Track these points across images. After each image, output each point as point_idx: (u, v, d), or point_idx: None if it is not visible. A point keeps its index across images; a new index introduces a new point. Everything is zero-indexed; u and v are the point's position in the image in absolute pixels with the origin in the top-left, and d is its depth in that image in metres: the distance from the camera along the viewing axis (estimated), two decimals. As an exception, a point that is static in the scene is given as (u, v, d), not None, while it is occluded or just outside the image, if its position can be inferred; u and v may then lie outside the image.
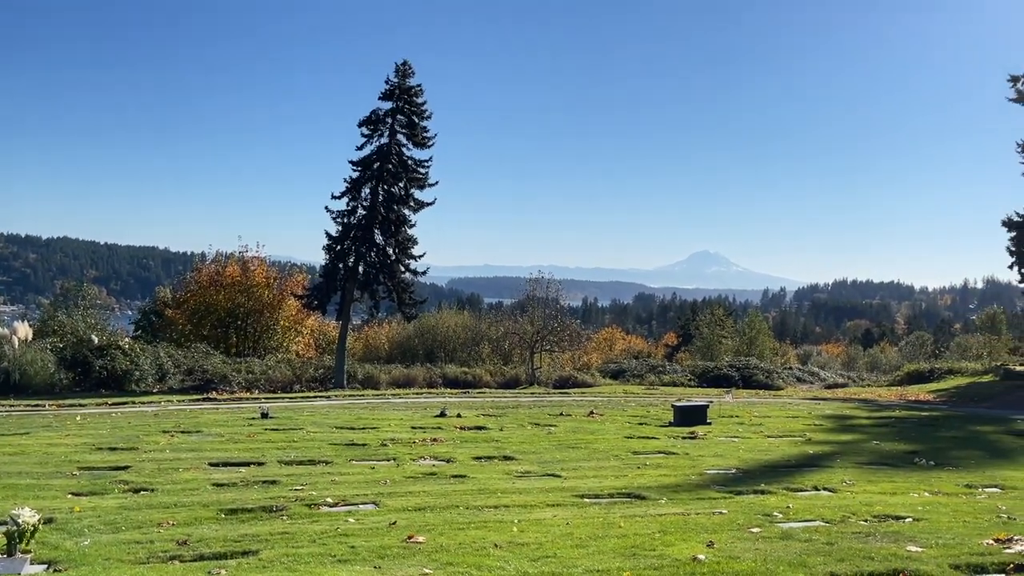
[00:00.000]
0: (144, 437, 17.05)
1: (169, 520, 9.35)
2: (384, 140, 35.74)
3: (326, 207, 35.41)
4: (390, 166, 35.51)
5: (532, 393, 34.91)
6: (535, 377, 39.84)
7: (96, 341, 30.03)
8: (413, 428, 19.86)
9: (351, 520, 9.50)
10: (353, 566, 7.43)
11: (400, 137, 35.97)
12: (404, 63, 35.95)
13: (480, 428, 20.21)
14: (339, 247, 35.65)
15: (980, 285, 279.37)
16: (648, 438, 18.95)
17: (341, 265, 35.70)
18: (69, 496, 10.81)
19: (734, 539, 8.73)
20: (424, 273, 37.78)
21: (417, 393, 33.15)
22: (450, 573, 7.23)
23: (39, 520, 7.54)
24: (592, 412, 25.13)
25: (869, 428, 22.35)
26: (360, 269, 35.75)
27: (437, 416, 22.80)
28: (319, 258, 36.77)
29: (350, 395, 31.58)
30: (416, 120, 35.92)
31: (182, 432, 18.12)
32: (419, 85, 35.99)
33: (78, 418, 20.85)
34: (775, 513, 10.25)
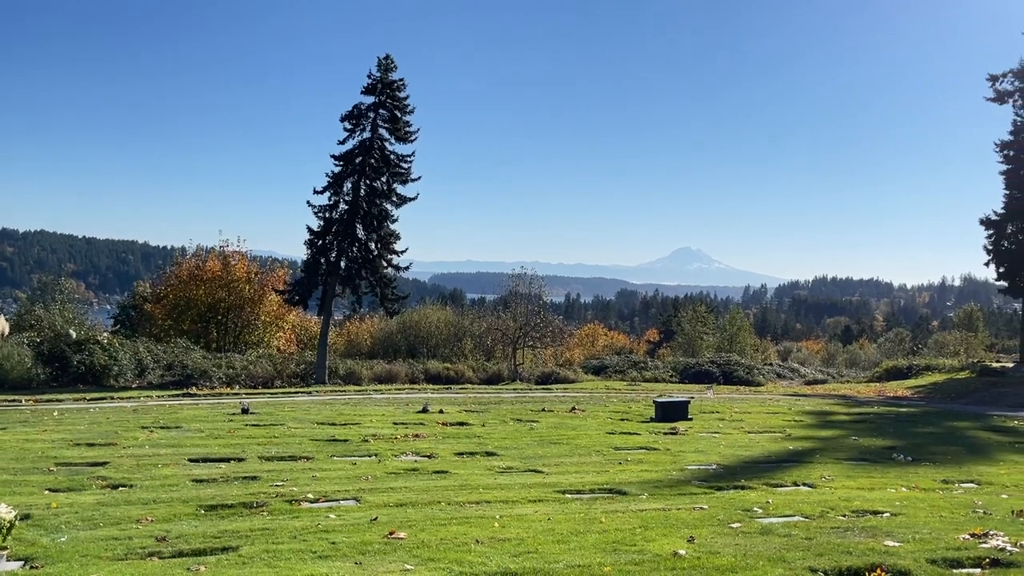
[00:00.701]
0: (123, 433, 16.91)
1: (148, 516, 9.28)
2: (366, 135, 35.58)
3: (308, 201, 35.24)
4: (372, 161, 35.36)
5: (514, 389, 34.93)
6: (517, 373, 39.86)
7: (74, 336, 29.72)
8: (395, 424, 19.82)
9: (332, 516, 9.47)
10: (334, 562, 7.41)
11: (382, 132, 35.82)
12: (386, 57, 35.80)
13: (462, 424, 20.20)
14: (321, 242, 35.47)
15: (958, 283, 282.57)
16: (630, 434, 19.02)
17: (323, 260, 35.53)
18: (46, 492, 10.70)
19: (714, 534, 8.79)
20: (407, 268, 37.68)
21: (399, 389, 33.09)
22: (432, 569, 7.22)
23: (15, 516, 7.46)
24: (574, 408, 25.18)
25: (848, 424, 22.55)
26: (342, 264, 35.59)
27: (419, 412, 22.77)
28: (301, 253, 36.62)
29: (332, 391, 31.45)
30: (398, 115, 35.77)
31: (161, 428, 17.98)
32: (402, 79, 35.87)
33: (55, 413, 20.64)
34: (755, 509, 10.32)
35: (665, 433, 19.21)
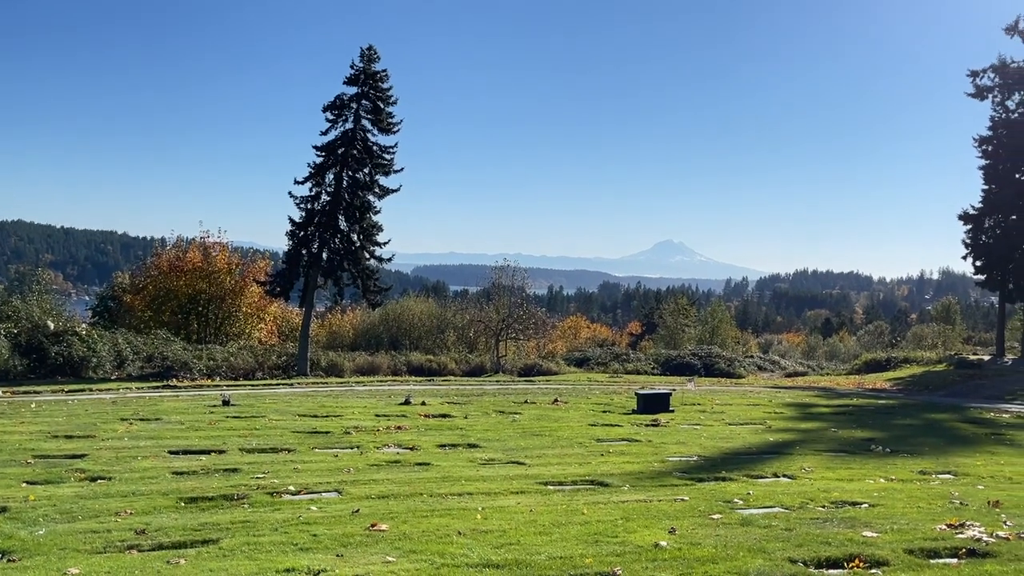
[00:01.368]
0: (102, 425, 16.77)
1: (127, 509, 9.20)
2: (349, 125, 35.41)
3: (289, 192, 35.04)
4: (355, 152, 35.19)
5: (497, 381, 34.95)
6: (500, 365, 39.89)
7: (52, 327, 29.42)
8: (377, 416, 19.78)
9: (314, 508, 9.44)
10: (315, 554, 7.38)
11: (365, 123, 35.65)
12: (369, 48, 35.61)
13: (445, 416, 20.19)
14: (303, 233, 35.28)
15: (936, 276, 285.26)
16: (612, 426, 19.09)
17: (304, 251, 35.35)
18: (23, 485, 10.59)
19: (695, 526, 8.83)
20: (389, 260, 37.57)
21: (381, 381, 33.03)
22: (413, 561, 7.21)
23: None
24: (556, 400, 25.24)
25: (828, 416, 22.75)
26: (324, 255, 35.44)
27: (401, 404, 22.74)
28: (283, 244, 36.42)
29: (313, 382, 31.34)
30: (381, 106, 35.61)
31: (141, 420, 17.85)
32: (384, 70, 35.69)
33: (33, 405, 20.43)
34: (736, 500, 10.39)
35: (647, 425, 19.29)
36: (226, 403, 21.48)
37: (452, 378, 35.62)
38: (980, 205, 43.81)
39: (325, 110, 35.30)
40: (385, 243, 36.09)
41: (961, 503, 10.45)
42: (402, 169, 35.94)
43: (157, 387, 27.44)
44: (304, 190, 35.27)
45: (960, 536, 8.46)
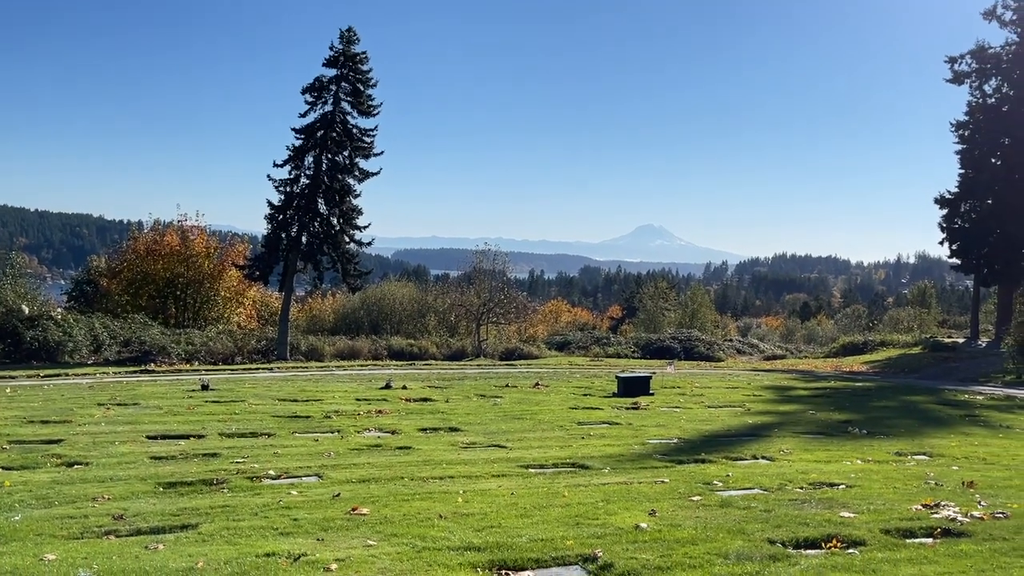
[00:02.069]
0: (78, 410, 16.60)
1: (104, 494, 9.12)
2: (328, 108, 35.08)
3: (268, 175, 34.69)
4: (334, 134, 34.90)
5: (478, 365, 34.97)
6: (481, 349, 39.90)
7: (27, 311, 29.04)
8: (358, 400, 19.73)
9: (294, 493, 9.40)
10: (296, 539, 7.35)
11: (345, 105, 35.34)
12: (349, 29, 35.22)
13: (426, 400, 20.18)
14: (282, 216, 35.00)
15: (913, 260, 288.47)
16: (592, 409, 19.16)
17: (284, 235, 35.08)
18: (-1, 471, 10.47)
19: (675, 507, 8.89)
20: (369, 244, 37.38)
21: (362, 365, 32.94)
22: (395, 544, 7.20)
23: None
24: (538, 383, 25.29)
25: (806, 398, 22.97)
26: (303, 239, 35.19)
27: (382, 388, 22.69)
28: (262, 228, 36.10)
29: (293, 367, 31.20)
30: (361, 88, 35.30)
31: (118, 405, 17.69)
32: (364, 52, 35.35)
33: (8, 390, 20.17)
34: (715, 482, 10.46)
35: (627, 408, 19.38)
36: (205, 388, 21.33)
37: (433, 362, 35.59)
38: (956, 190, 44.25)
39: (304, 92, 34.94)
40: (365, 227, 35.90)
41: (936, 484, 10.59)
42: (382, 152, 35.74)
43: (135, 372, 27.19)
44: (283, 173, 34.99)
45: (935, 516, 8.57)
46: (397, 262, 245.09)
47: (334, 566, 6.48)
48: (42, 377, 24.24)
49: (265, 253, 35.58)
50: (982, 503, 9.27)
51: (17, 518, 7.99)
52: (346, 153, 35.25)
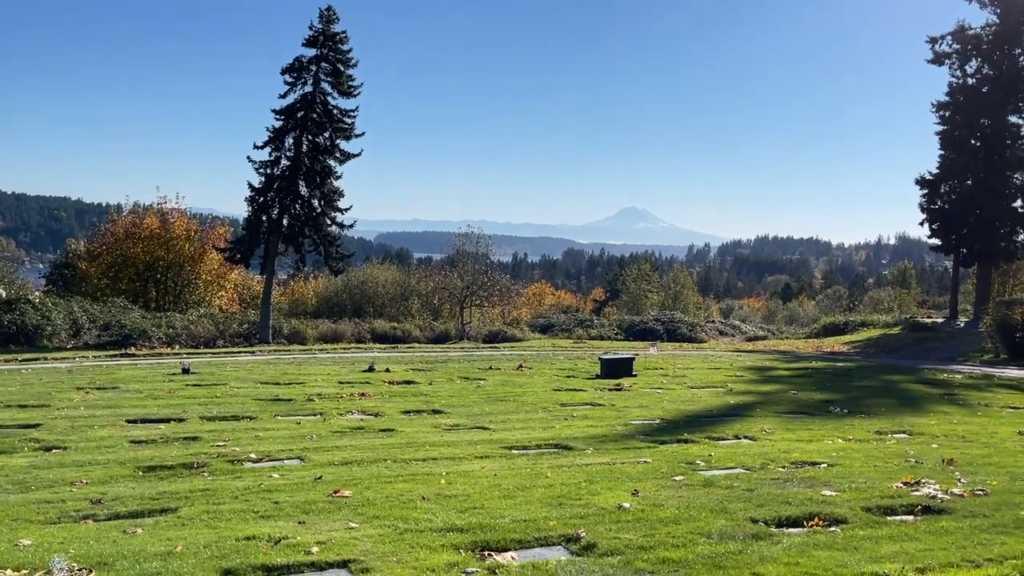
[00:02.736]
0: (56, 394, 16.41)
1: (83, 479, 9.01)
2: (308, 88, 34.67)
3: (248, 157, 34.27)
4: (315, 115, 34.52)
5: (462, 348, 34.92)
6: (465, 332, 39.84)
7: (4, 295, 28.69)
8: (341, 383, 19.63)
9: (275, 476, 9.33)
10: (277, 522, 7.29)
11: (325, 85, 34.94)
12: (328, 8, 34.74)
13: (409, 382, 20.11)
14: (262, 199, 34.63)
15: (893, 241, 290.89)
16: (575, 390, 19.17)
17: (264, 217, 34.74)
18: (-26, 456, 10.31)
19: (658, 487, 8.90)
20: (351, 226, 37.11)
21: (345, 348, 32.80)
22: (376, 527, 7.15)
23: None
24: (521, 366, 25.28)
25: (788, 379, 23.10)
26: (284, 222, 34.85)
27: (365, 371, 22.60)
28: (243, 210, 35.73)
29: (276, 350, 31.02)
30: (341, 68, 34.89)
31: (98, 388, 17.50)
32: (344, 32, 34.92)
33: (-15, 375, 19.92)
34: (698, 462, 10.49)
35: (610, 389, 19.41)
36: (186, 371, 21.15)
37: (416, 345, 35.50)
38: (937, 171, 44.44)
39: (284, 73, 34.51)
40: (347, 209, 35.62)
41: (916, 462, 10.67)
42: (363, 133, 35.40)
43: (115, 355, 26.93)
44: (263, 155, 34.59)
45: (916, 493, 8.64)
46: (380, 245, 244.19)
47: (315, 549, 6.43)
48: (20, 361, 23.94)
49: (246, 236, 35.24)
50: (962, 480, 9.35)
51: (-7, 503, 7.87)
52: (327, 134, 34.91)
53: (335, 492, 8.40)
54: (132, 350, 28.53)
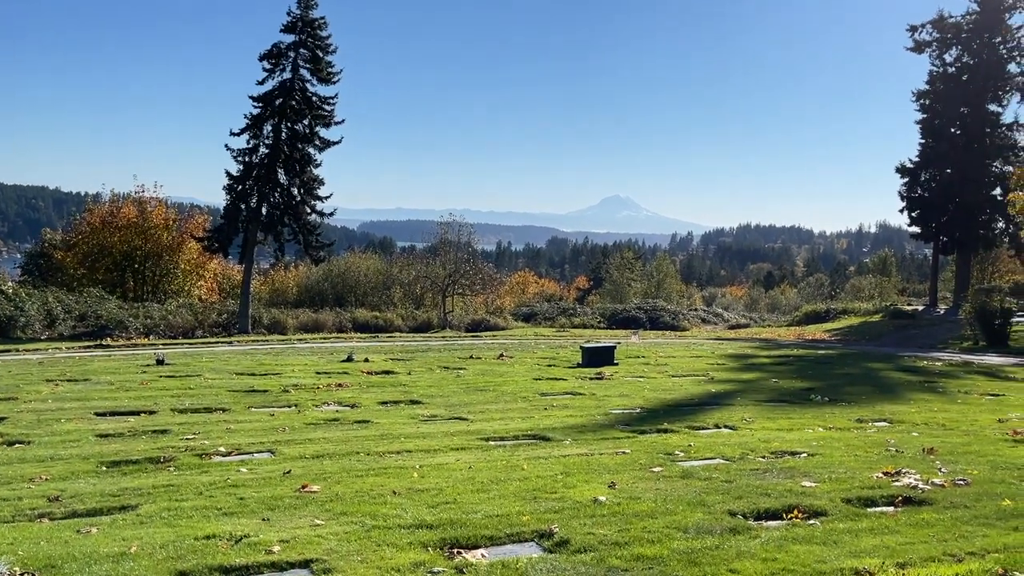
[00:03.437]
0: (25, 386, 16.04)
1: (43, 475, 8.72)
2: (287, 75, 34.22)
3: (226, 145, 33.83)
4: (293, 102, 34.08)
5: (444, 337, 34.68)
6: (447, 321, 39.59)
7: (-25, 286, 28.11)
8: (318, 373, 19.35)
9: (243, 470, 9.07)
10: (239, 519, 7.03)
11: (304, 72, 34.50)
12: (307, -7, 34.25)
13: (388, 372, 19.86)
14: (241, 187, 34.20)
15: (874, 229, 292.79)
16: (556, 379, 18.99)
17: (243, 206, 34.31)
18: (-68, 452, 9.98)
19: (636, 479, 8.72)
20: (331, 215, 36.74)
21: (325, 338, 32.47)
22: (343, 523, 6.91)
23: None
24: (502, 355, 25.08)
25: (769, 367, 23.03)
26: (263, 210, 34.45)
27: (344, 361, 22.33)
28: (222, 199, 35.24)
29: (255, 340, 30.66)
30: (320, 55, 34.45)
31: (68, 381, 17.14)
32: (323, 17, 34.46)
33: (-47, 368, 19.48)
34: (677, 452, 10.32)
35: (591, 378, 19.24)
36: (160, 362, 20.80)
37: (398, 334, 35.22)
38: (917, 159, 44.59)
39: (262, 59, 34.02)
40: (327, 197, 35.24)
41: (897, 450, 10.56)
42: (343, 121, 35.00)
43: (89, 347, 26.48)
44: (241, 142, 34.16)
45: (896, 484, 8.50)
46: (363, 234, 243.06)
47: (277, 548, 6.18)
48: (-9, 353, 23.49)
49: (224, 224, 34.81)
50: (943, 470, 9.24)
51: (-55, 502, 7.57)
52: (306, 122, 34.48)
53: (303, 487, 8.15)
54: (108, 341, 28.08)
